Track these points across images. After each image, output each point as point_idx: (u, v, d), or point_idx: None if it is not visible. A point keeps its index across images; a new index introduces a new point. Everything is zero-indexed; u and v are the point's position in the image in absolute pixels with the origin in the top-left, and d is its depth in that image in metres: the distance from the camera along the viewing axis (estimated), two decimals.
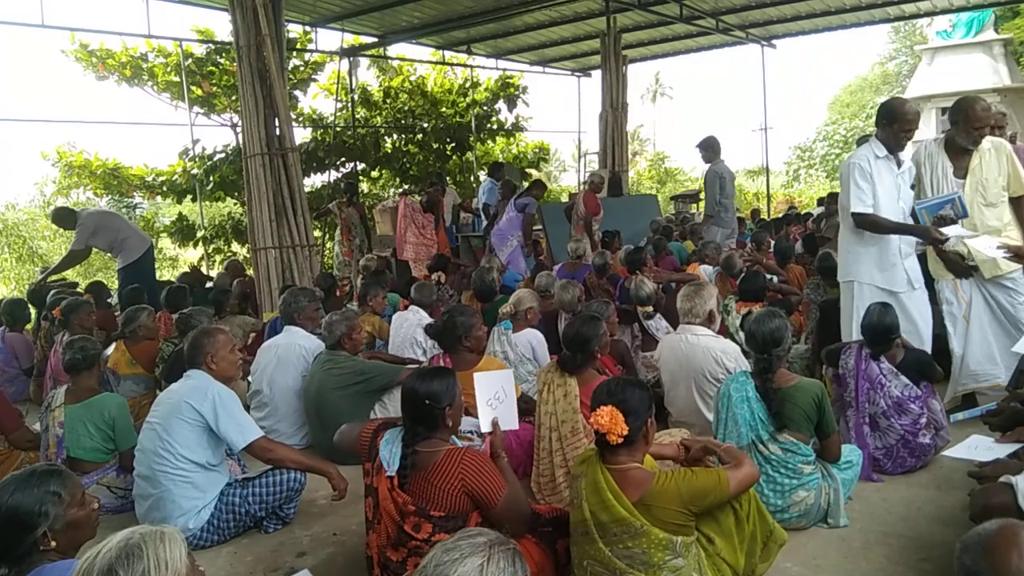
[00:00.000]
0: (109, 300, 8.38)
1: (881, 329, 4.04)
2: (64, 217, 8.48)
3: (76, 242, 8.32)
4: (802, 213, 14.85)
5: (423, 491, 2.77)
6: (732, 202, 9.18)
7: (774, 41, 16.08)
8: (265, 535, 3.78)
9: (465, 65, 16.97)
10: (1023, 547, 1.53)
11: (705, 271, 7.55)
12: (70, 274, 10.35)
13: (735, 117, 78.75)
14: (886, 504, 3.66)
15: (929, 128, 19.85)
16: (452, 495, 2.74)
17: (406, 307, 6.56)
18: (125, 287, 7.61)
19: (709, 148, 9.25)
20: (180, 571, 1.68)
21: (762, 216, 15.83)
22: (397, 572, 2.82)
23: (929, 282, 4.77)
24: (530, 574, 1.71)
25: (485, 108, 17.49)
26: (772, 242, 8.73)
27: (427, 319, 5.80)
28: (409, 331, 5.90)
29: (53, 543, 2.14)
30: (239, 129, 11.24)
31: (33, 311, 7.77)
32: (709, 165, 9.35)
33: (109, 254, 9.38)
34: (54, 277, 9.10)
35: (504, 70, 17.24)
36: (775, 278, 7.11)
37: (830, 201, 10.36)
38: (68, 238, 16.57)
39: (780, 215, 15.34)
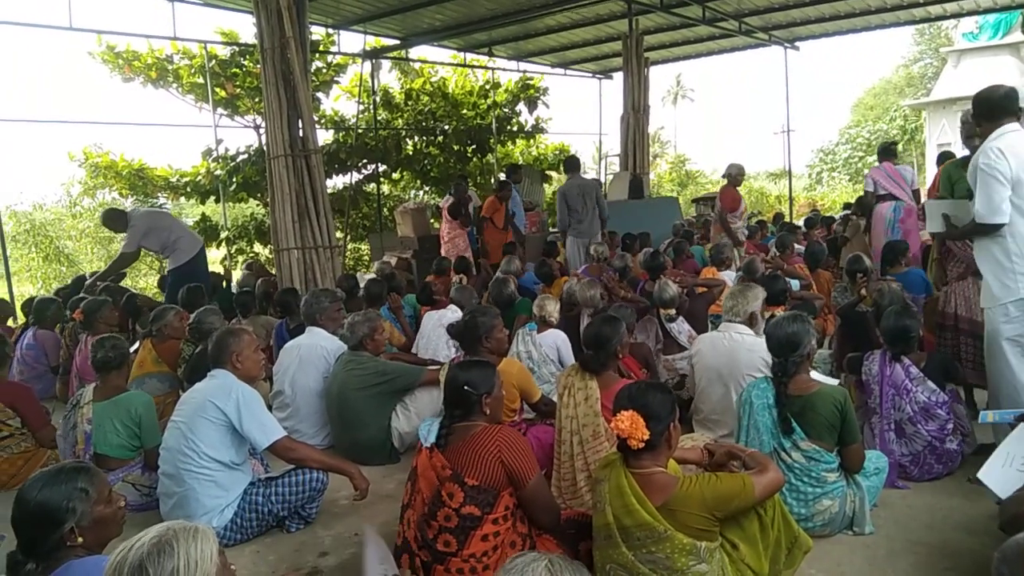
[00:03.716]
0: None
1: (897, 331, 4.05)
2: (114, 219, 8.26)
3: (128, 244, 8.09)
4: (825, 216, 14.71)
5: (460, 457, 2.84)
6: (583, 212, 9.51)
7: (797, 43, 15.99)
8: (287, 534, 3.80)
9: (486, 67, 17.00)
10: None
11: (728, 277, 7.48)
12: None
13: (757, 119, 78.23)
14: (912, 511, 3.61)
15: (955, 132, 19.59)
16: (488, 462, 2.79)
17: (426, 311, 6.57)
18: (178, 288, 7.34)
19: (570, 169, 10.03)
20: (209, 571, 1.70)
21: (784, 219, 15.70)
22: (430, 548, 2.86)
23: None
24: None
25: (506, 110, 17.50)
26: (795, 246, 8.66)
27: None
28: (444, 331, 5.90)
29: (80, 539, 2.16)
30: (262, 130, 11.34)
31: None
32: None
33: (160, 256, 9.13)
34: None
35: (525, 72, 17.24)
36: (797, 283, 7.02)
37: (856, 206, 10.31)
38: (95, 238, 16.85)
39: (803, 218, 15.22)
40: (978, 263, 3.98)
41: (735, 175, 9.62)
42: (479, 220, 10.88)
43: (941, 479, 3.93)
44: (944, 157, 7.74)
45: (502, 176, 13.93)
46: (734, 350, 4.36)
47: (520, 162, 18.00)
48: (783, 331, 3.42)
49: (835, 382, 3.92)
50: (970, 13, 15.27)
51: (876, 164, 8.65)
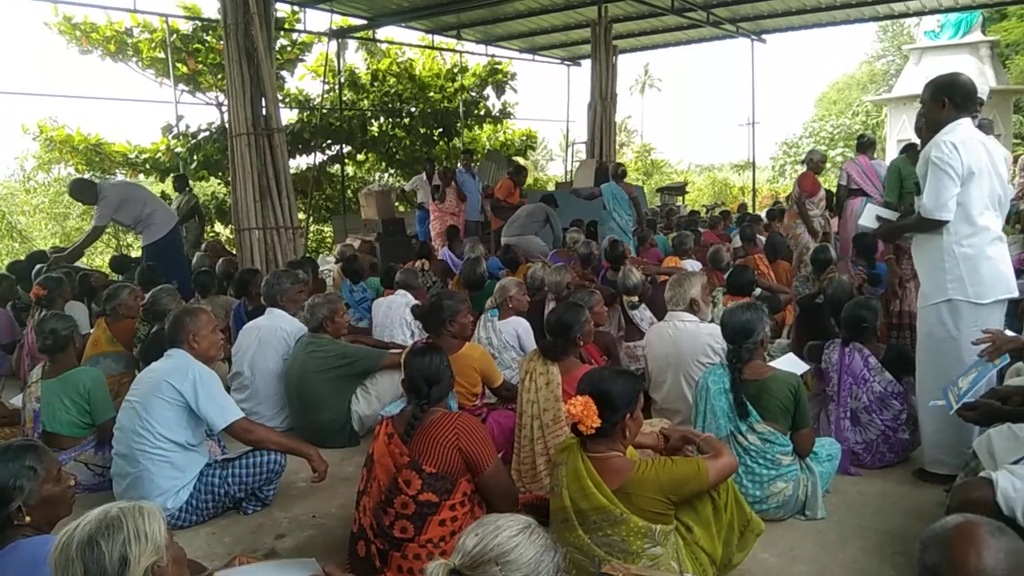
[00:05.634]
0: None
1: (851, 320, 4.14)
2: (84, 190, 7.81)
3: (99, 217, 7.63)
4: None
5: (419, 445, 2.83)
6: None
7: (764, 36, 16.14)
8: (244, 516, 3.76)
9: (454, 50, 16.88)
10: (981, 545, 1.50)
11: (691, 266, 7.54)
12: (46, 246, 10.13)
13: (723, 111, 78.84)
14: (863, 498, 3.69)
15: (913, 127, 19.97)
16: (446, 450, 2.79)
17: (388, 294, 6.54)
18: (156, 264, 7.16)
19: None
20: (159, 544, 1.68)
21: (747, 210, 15.88)
22: (386, 535, 2.85)
23: None
24: None
25: (473, 94, 17.42)
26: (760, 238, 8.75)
27: (414, 301, 5.81)
28: (398, 312, 5.90)
29: (28, 518, 2.13)
30: (224, 108, 11.16)
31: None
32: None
33: (132, 230, 8.73)
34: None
35: (493, 56, 17.16)
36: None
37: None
38: (50, 214, 16.48)
39: (765, 209, 15.38)
40: (915, 260, 3.91)
41: (818, 161, 8.99)
42: (495, 202, 10.92)
43: (892, 467, 4.02)
44: (906, 149, 7.83)
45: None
46: (678, 338, 4.43)
47: (487, 147, 17.96)
48: (736, 319, 3.50)
49: (804, 368, 3.99)
50: (932, 12, 15.53)
51: (852, 157, 8.63)
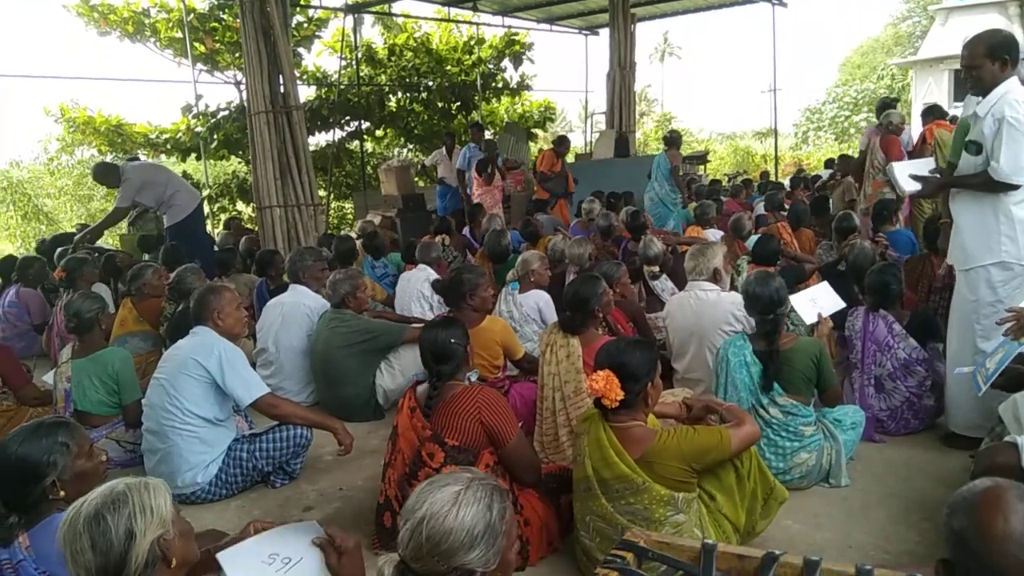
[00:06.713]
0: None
1: (877, 285, 4.12)
2: (106, 173, 7.87)
3: (121, 199, 7.68)
4: (810, 176, 14.66)
5: (442, 419, 2.88)
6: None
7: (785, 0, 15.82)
8: (272, 490, 3.82)
9: (471, 22, 16.75)
10: (1008, 510, 1.50)
11: (713, 236, 7.48)
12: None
13: (744, 78, 77.61)
14: (888, 465, 3.68)
15: (941, 91, 19.57)
16: (468, 423, 2.83)
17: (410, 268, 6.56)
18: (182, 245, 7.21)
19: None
20: (165, 518, 1.72)
21: (770, 178, 15.70)
22: None
23: None
24: (534, 526, 1.75)
25: (490, 66, 17.29)
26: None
27: (434, 276, 5.83)
28: (415, 286, 5.93)
29: (62, 493, 2.17)
30: (243, 86, 11.18)
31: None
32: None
33: (155, 211, 8.78)
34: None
35: (510, 27, 16.99)
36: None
37: (840, 163, 10.20)
38: (74, 196, 16.66)
39: (788, 177, 15.19)
40: (957, 219, 3.73)
41: (898, 123, 7.93)
42: (540, 176, 10.88)
43: (917, 434, 4.00)
44: (929, 111, 7.67)
45: (487, 134, 13.81)
46: (700, 308, 4.38)
47: (506, 119, 17.85)
48: (766, 291, 3.46)
49: (840, 305, 4.04)
50: None
51: (876, 123, 8.37)
